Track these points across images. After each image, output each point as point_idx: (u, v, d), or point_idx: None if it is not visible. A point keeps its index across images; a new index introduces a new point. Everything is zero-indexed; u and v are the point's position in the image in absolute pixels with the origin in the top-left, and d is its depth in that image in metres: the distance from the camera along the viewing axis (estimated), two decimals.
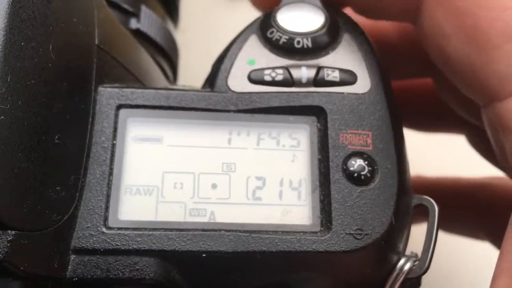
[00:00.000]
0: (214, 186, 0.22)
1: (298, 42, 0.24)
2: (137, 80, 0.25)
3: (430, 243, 0.22)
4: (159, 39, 0.30)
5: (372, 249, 0.21)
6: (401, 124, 0.24)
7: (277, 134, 0.23)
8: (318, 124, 0.23)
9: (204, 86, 0.25)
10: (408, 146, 0.25)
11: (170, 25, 0.33)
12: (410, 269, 0.22)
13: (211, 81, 0.24)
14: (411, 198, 0.23)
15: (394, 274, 0.22)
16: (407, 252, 0.23)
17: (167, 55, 0.31)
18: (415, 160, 0.26)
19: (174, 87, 0.25)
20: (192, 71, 0.33)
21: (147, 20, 0.30)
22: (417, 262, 0.22)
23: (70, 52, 0.21)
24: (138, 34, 0.29)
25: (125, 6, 0.29)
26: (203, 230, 0.21)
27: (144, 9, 0.30)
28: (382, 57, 0.25)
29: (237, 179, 0.22)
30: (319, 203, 0.22)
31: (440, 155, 0.38)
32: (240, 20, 0.26)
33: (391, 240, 0.22)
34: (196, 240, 0.21)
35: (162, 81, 0.30)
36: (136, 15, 0.29)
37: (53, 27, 0.21)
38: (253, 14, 0.26)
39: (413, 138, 0.31)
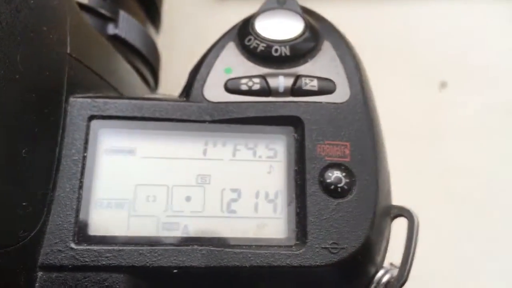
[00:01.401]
0: (188, 198, 0.22)
1: (276, 50, 0.24)
2: (113, 88, 0.25)
3: (408, 254, 0.22)
4: (139, 44, 0.30)
5: (348, 263, 0.21)
6: (381, 134, 0.24)
7: (254, 145, 0.23)
8: (295, 135, 0.23)
9: (181, 95, 0.24)
10: None
11: (151, 30, 0.33)
12: (388, 281, 0.22)
13: (187, 90, 0.24)
14: (390, 209, 0.23)
15: (372, 287, 0.22)
16: (385, 264, 0.23)
17: (147, 60, 0.30)
18: None
19: (149, 96, 0.25)
20: (176, 73, 0.33)
21: (126, 25, 0.29)
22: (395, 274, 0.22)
23: (39, 62, 0.21)
24: (116, 39, 0.28)
25: (102, 11, 0.28)
26: (175, 245, 0.21)
27: (122, 14, 0.29)
28: (363, 65, 0.25)
29: (211, 192, 0.22)
30: (295, 216, 0.22)
31: None
32: (227, 21, 0.25)
33: (368, 253, 0.22)
34: (168, 256, 0.20)
35: (141, 87, 0.29)
36: (114, 20, 0.28)
37: (21, 37, 0.20)
38: (240, 15, 0.26)
39: None
